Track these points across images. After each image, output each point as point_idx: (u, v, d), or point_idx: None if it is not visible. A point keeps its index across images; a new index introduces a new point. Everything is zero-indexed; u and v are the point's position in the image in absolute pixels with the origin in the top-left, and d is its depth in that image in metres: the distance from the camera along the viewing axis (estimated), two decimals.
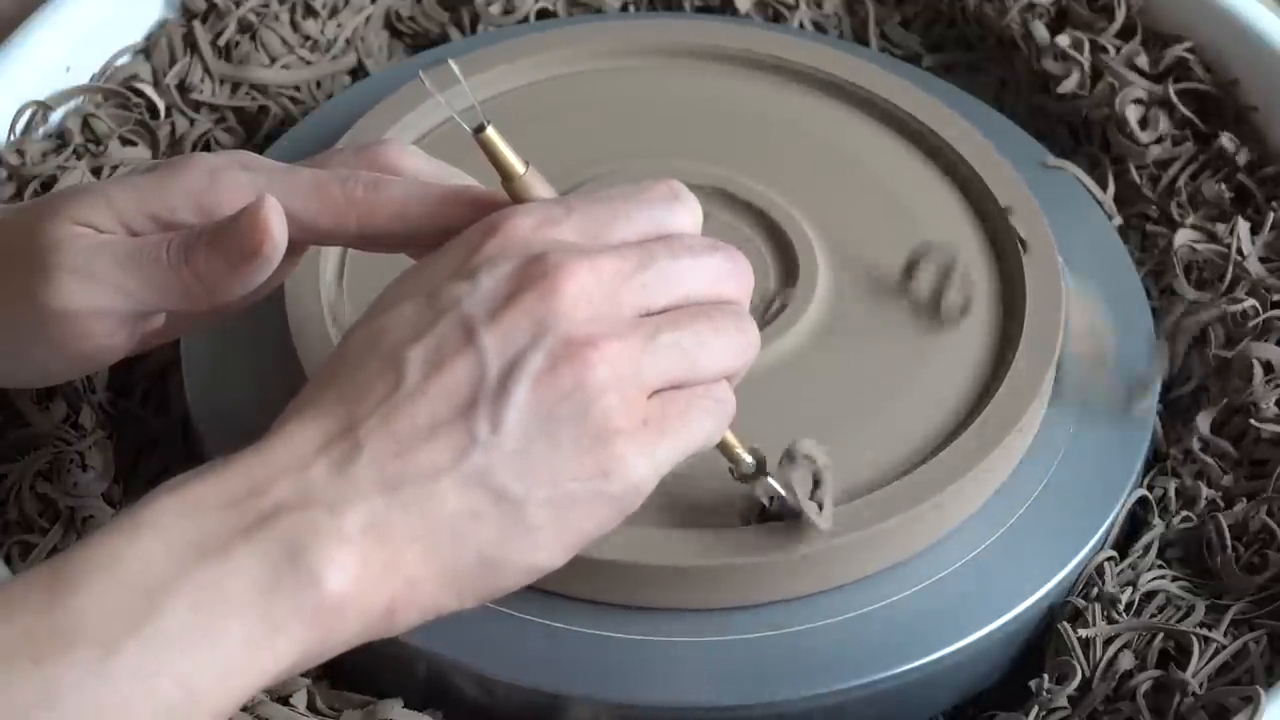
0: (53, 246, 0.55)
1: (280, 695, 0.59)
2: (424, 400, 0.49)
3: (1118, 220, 0.75)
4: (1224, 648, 0.61)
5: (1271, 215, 0.73)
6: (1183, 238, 0.72)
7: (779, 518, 0.59)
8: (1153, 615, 0.62)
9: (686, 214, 0.54)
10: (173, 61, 0.78)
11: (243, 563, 0.46)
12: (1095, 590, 0.62)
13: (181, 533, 0.46)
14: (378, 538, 0.48)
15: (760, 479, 0.58)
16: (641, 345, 0.51)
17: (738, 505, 0.60)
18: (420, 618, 0.50)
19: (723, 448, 0.57)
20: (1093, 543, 0.64)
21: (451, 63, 0.55)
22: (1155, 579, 0.63)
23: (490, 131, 0.54)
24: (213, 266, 0.54)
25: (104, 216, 0.56)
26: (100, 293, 0.55)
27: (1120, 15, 0.79)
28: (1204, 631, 0.61)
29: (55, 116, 0.75)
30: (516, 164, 0.54)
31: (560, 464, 0.49)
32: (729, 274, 0.54)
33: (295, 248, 0.56)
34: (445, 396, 0.49)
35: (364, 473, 0.48)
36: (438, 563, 0.49)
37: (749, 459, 0.58)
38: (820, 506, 0.59)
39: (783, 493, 0.58)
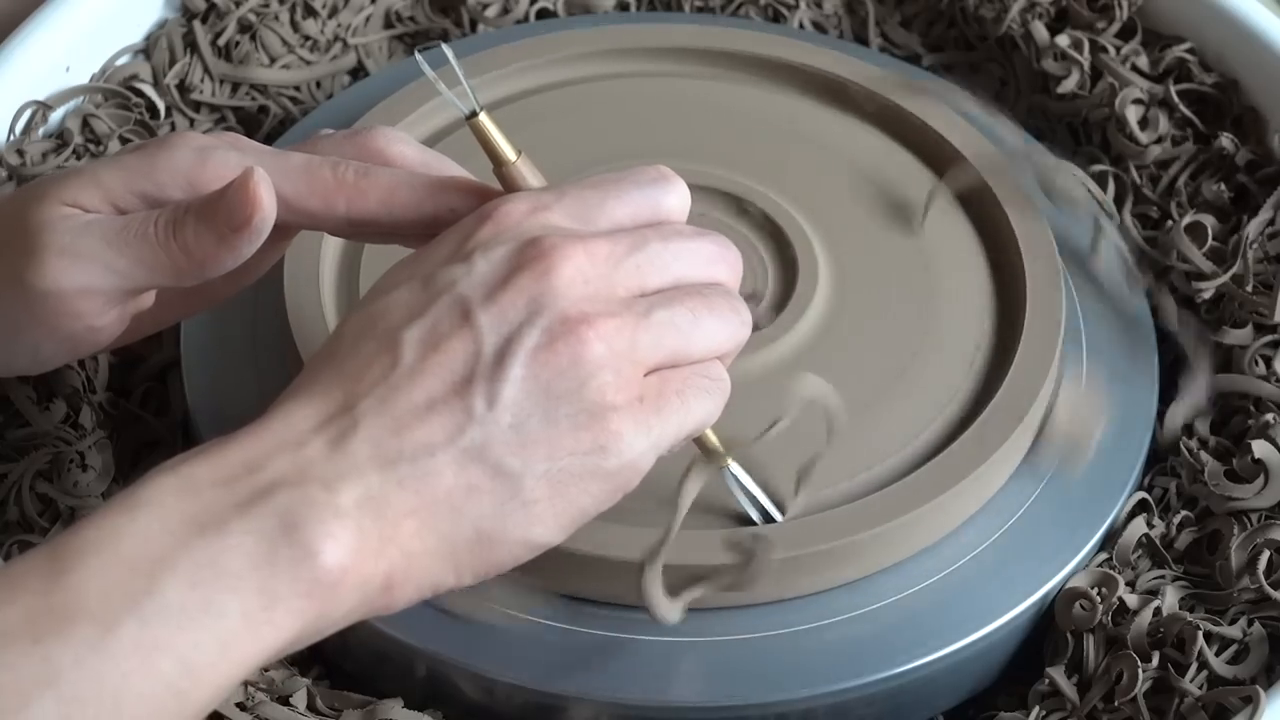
0: (41, 228, 0.55)
1: (280, 695, 0.59)
2: (421, 378, 0.50)
3: (1118, 220, 0.75)
4: (1224, 648, 0.61)
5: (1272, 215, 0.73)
6: (1182, 235, 0.73)
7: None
8: (1152, 615, 0.62)
9: (675, 196, 0.55)
10: (173, 61, 0.78)
11: (239, 538, 0.47)
12: (1095, 590, 0.62)
13: (179, 510, 0.47)
14: (374, 512, 0.48)
15: (724, 469, 0.59)
16: (636, 322, 0.51)
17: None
18: (418, 594, 0.50)
19: (699, 438, 0.57)
20: (1093, 543, 0.64)
21: (445, 47, 0.55)
22: (1155, 579, 0.63)
23: (482, 117, 0.55)
24: (201, 240, 0.54)
25: (92, 196, 0.56)
26: (88, 271, 0.55)
27: (1120, 15, 0.79)
28: (1204, 629, 0.61)
29: (55, 116, 0.75)
30: (508, 151, 0.55)
31: (557, 439, 0.50)
32: (720, 258, 0.54)
33: (284, 230, 0.56)
34: (442, 374, 0.50)
35: (360, 449, 0.49)
36: (434, 537, 0.49)
37: (722, 450, 0.58)
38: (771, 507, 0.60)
39: (742, 480, 0.59)
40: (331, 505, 0.48)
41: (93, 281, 0.55)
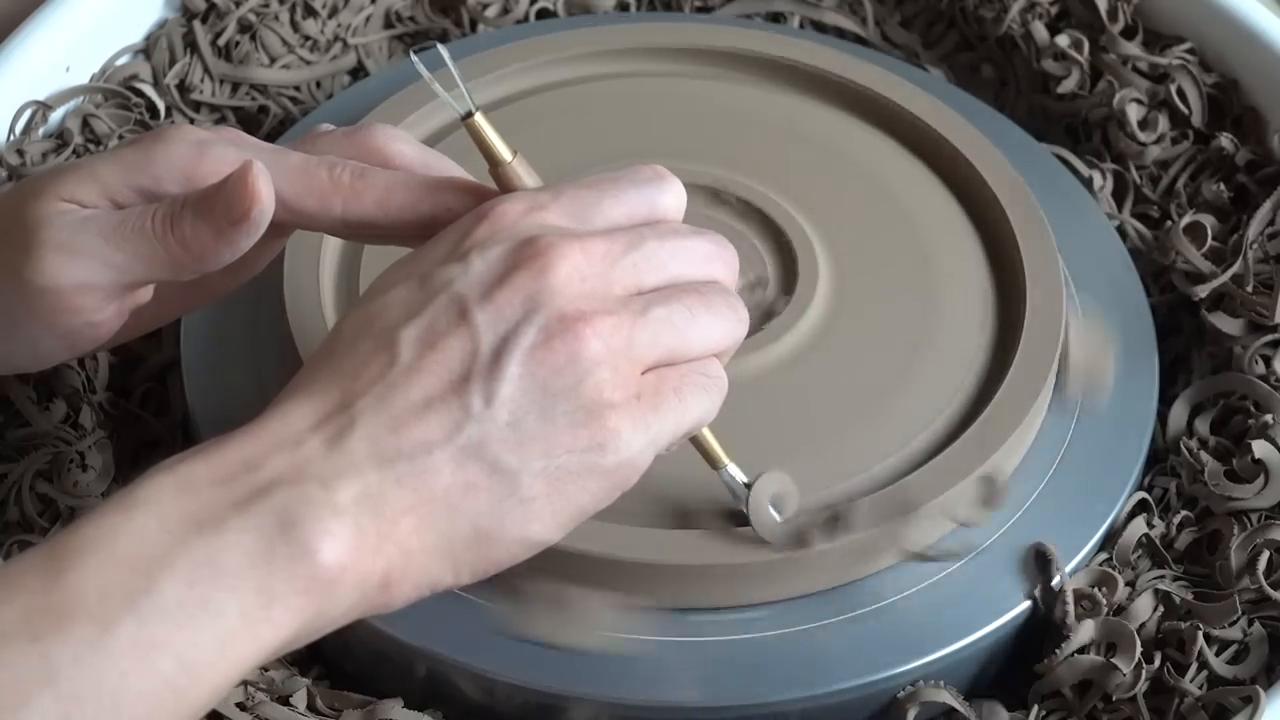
0: (38, 224, 0.55)
1: (280, 695, 0.59)
2: (418, 377, 0.50)
3: (1117, 220, 0.75)
4: (1224, 648, 0.61)
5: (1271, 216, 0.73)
6: (1181, 235, 0.73)
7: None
8: (1155, 616, 0.62)
9: (671, 195, 0.55)
10: (173, 61, 0.78)
11: (237, 536, 0.47)
12: (1095, 590, 0.62)
13: (177, 509, 0.47)
14: (372, 509, 0.48)
15: (723, 470, 0.58)
16: (633, 320, 0.51)
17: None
18: (415, 592, 0.50)
19: (695, 438, 0.57)
20: (1092, 543, 0.64)
21: (441, 47, 0.55)
22: (1155, 579, 0.63)
23: (478, 118, 0.55)
24: (198, 233, 0.54)
25: (89, 191, 0.56)
26: (86, 267, 0.55)
27: (1120, 15, 0.79)
28: (1204, 631, 0.61)
29: (55, 116, 0.75)
30: (504, 151, 0.55)
31: (554, 436, 0.50)
32: (716, 256, 0.55)
33: (279, 229, 0.57)
34: (439, 372, 0.50)
35: (358, 447, 0.49)
36: (432, 534, 0.49)
37: (719, 452, 0.58)
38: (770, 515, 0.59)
39: (740, 483, 0.59)
40: (329, 503, 0.48)
41: (90, 276, 0.55)
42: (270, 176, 0.54)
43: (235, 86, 0.79)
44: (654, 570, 0.59)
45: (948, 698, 0.60)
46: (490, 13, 0.82)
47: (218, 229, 0.54)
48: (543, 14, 0.82)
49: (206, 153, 0.56)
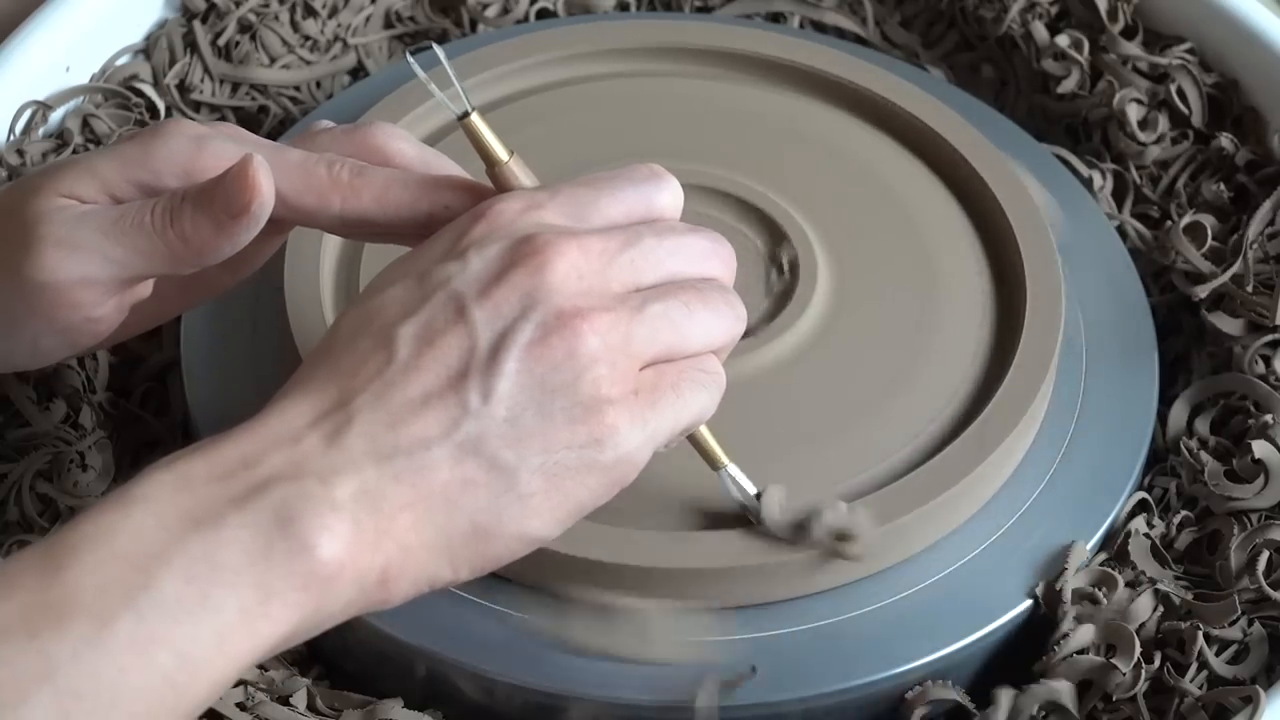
0: (38, 219, 0.56)
1: (280, 695, 0.59)
2: (416, 373, 0.50)
3: (1117, 220, 0.75)
4: (1224, 648, 0.61)
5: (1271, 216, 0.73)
6: (1181, 235, 0.73)
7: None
8: (1155, 616, 0.62)
9: (668, 193, 0.55)
10: (173, 61, 0.78)
11: (235, 532, 0.47)
12: (1095, 590, 0.62)
13: (174, 505, 0.47)
14: (369, 505, 0.48)
15: (722, 470, 0.58)
16: (630, 316, 0.52)
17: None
18: (414, 588, 0.50)
19: (694, 438, 0.57)
20: (1093, 543, 0.64)
21: (437, 48, 0.56)
22: (1155, 579, 0.63)
23: (474, 118, 0.55)
24: (198, 227, 0.54)
25: (89, 187, 0.56)
26: (85, 262, 0.55)
27: (1120, 15, 0.79)
28: (1204, 631, 0.61)
29: (55, 116, 0.75)
30: (500, 151, 0.55)
31: (552, 433, 0.50)
32: (713, 254, 0.55)
33: (278, 226, 0.57)
34: (437, 369, 0.50)
35: (356, 443, 0.49)
36: (430, 530, 0.49)
37: (719, 453, 0.58)
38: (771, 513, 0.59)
39: (740, 484, 0.59)
40: (327, 499, 0.48)
41: (90, 272, 0.55)
42: (269, 168, 0.54)
43: (235, 86, 0.79)
44: (656, 573, 0.59)
45: (955, 696, 0.60)
46: (490, 13, 0.82)
47: (217, 222, 0.54)
48: (543, 14, 0.82)
49: (205, 147, 0.56)
